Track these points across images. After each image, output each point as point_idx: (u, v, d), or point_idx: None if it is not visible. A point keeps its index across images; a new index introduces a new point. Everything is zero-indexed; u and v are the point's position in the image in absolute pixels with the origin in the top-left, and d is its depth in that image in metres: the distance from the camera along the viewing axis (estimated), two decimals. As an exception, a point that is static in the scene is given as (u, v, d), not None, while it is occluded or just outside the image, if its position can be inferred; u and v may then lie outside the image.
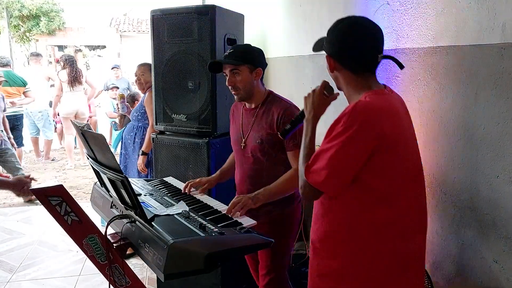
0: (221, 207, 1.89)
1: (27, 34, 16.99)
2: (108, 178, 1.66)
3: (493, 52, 1.67)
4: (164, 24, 2.68)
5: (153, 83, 2.82)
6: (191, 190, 2.11)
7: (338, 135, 1.31)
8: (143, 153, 3.48)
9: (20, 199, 5.03)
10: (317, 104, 1.52)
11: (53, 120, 7.14)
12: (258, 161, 2.01)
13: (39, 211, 4.69)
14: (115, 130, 6.53)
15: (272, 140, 1.95)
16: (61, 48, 17.55)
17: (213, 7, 2.56)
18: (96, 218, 2.24)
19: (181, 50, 2.64)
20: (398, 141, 1.36)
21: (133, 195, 1.55)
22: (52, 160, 7.27)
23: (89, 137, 1.67)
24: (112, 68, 7.87)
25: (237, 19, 2.85)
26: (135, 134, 3.64)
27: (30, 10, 16.20)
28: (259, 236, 1.65)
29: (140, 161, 3.50)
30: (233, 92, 2.00)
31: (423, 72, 2.07)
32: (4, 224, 4.41)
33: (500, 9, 1.63)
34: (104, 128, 8.06)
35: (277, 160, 1.99)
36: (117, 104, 4.87)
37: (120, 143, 4.08)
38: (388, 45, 2.28)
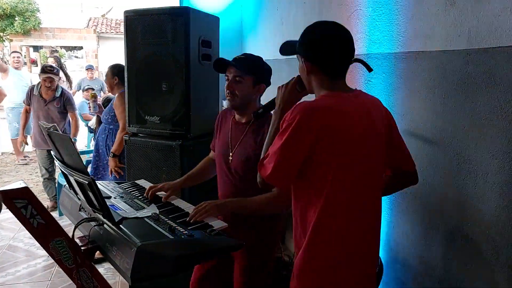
0: (192, 210, 1.86)
1: (1, 34, 16.57)
2: (75, 180, 1.62)
3: (459, 58, 1.71)
4: (138, 25, 2.65)
5: (126, 84, 2.78)
6: (153, 196, 2.02)
7: (283, 131, 1.37)
8: (114, 155, 3.37)
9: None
10: (287, 98, 1.56)
11: None
12: (242, 179, 1.90)
13: (10, 215, 4.54)
14: (90, 133, 6.43)
15: (258, 159, 1.80)
16: (36, 48, 17.19)
17: (187, 9, 2.56)
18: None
19: (155, 52, 2.62)
20: (341, 142, 1.35)
21: (100, 197, 1.52)
22: (25, 158, 7.08)
23: (55, 138, 1.63)
24: (87, 69, 7.76)
25: (212, 21, 2.84)
26: (107, 136, 3.59)
27: (4, 9, 15.79)
28: (229, 238, 1.64)
29: (112, 163, 3.38)
30: (228, 98, 1.90)
31: (394, 77, 2.11)
32: (-28, 229, 4.28)
33: (466, 16, 1.67)
34: (79, 130, 7.90)
35: None
36: (89, 104, 4.79)
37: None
38: (361, 50, 2.31)
